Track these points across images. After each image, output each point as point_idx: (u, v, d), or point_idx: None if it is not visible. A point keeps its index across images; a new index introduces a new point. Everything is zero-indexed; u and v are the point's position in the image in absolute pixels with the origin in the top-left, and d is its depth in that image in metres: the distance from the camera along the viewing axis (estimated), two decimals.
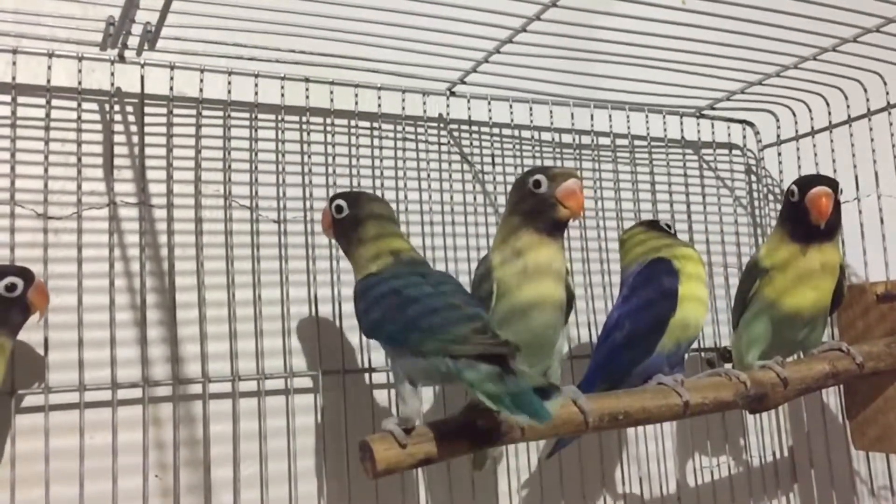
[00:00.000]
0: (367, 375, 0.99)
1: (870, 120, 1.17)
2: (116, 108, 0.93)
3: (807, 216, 0.93)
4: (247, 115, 0.98)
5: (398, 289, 0.74)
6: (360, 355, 0.98)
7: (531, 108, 1.13)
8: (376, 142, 1.05)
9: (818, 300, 0.96)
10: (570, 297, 0.86)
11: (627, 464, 1.14)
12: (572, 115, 1.16)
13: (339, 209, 0.83)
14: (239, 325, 0.92)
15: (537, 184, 0.82)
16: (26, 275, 0.79)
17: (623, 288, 0.95)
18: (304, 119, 1.00)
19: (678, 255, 0.92)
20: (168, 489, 0.87)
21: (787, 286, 0.95)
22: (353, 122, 1.03)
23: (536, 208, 0.83)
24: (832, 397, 1.29)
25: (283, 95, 0.98)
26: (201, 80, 0.94)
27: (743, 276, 1.03)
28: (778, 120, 1.29)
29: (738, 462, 1.23)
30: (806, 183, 0.95)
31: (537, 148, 1.16)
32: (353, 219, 0.82)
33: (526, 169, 1.11)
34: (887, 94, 1.15)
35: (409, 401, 0.70)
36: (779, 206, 1.28)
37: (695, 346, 1.06)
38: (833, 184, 0.94)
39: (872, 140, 1.17)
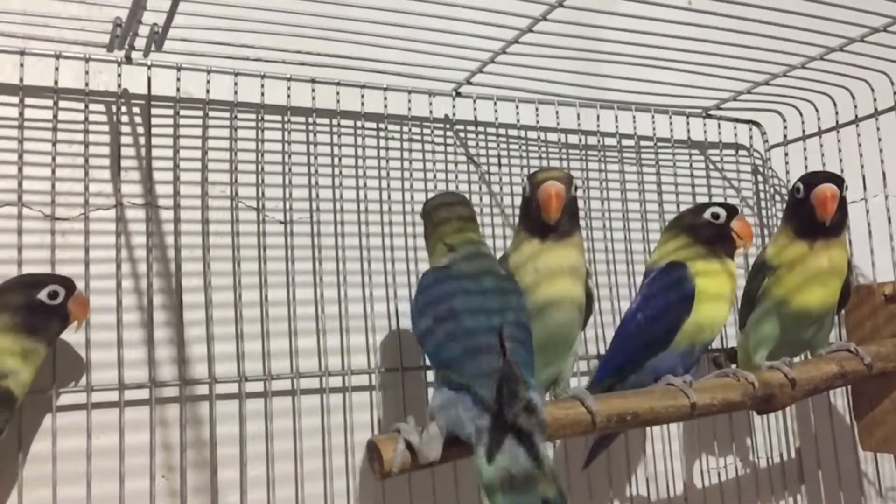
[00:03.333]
0: (371, 376, 0.99)
1: (877, 120, 1.17)
2: (123, 109, 0.93)
3: (812, 213, 0.93)
4: (253, 116, 0.98)
5: (438, 311, 0.72)
6: (366, 356, 0.98)
7: (537, 109, 1.13)
8: (382, 142, 1.05)
9: (827, 298, 0.95)
10: (590, 299, 0.86)
11: (635, 465, 1.14)
12: (578, 115, 1.15)
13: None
14: (245, 327, 0.92)
15: (525, 189, 0.85)
16: (68, 284, 0.80)
17: (643, 287, 0.95)
18: (310, 120, 1.00)
19: (697, 258, 0.91)
20: (175, 490, 0.87)
21: (795, 284, 0.95)
22: (359, 123, 1.03)
23: (527, 214, 0.85)
24: (840, 398, 1.29)
25: (289, 96, 0.98)
26: (208, 82, 0.94)
27: (750, 276, 1.03)
28: (785, 120, 1.29)
29: (745, 463, 1.23)
30: (811, 179, 0.95)
31: (543, 149, 1.16)
32: (424, 220, 0.85)
33: (532, 169, 1.12)
34: (895, 93, 1.14)
35: (425, 442, 0.68)
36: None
37: None
38: (838, 180, 0.94)
39: (880, 140, 1.17)
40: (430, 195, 1.05)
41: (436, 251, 0.81)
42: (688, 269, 0.89)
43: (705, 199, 1.24)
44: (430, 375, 0.99)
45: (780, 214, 1.30)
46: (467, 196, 1.07)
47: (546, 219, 0.81)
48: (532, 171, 1.11)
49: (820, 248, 0.94)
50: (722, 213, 0.92)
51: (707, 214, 0.92)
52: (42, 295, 0.78)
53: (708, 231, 0.91)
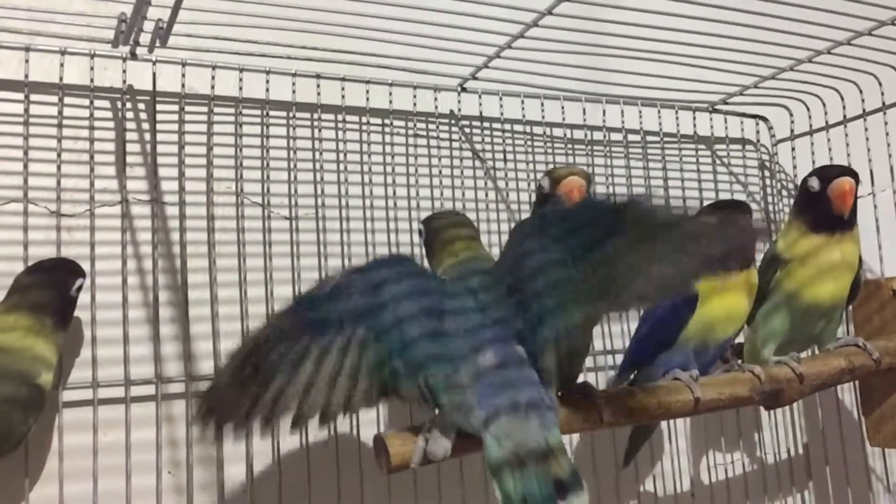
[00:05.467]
0: None
1: (885, 114, 1.16)
2: (128, 105, 0.93)
3: (828, 207, 0.93)
4: (258, 111, 0.98)
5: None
6: None
7: (543, 104, 1.13)
8: (387, 138, 1.05)
9: (838, 292, 0.95)
10: None
11: (642, 461, 1.13)
12: (584, 110, 1.15)
13: (420, 233, 0.87)
14: (251, 323, 0.92)
15: (541, 187, 0.85)
16: (83, 273, 0.81)
17: None
18: (315, 116, 1.00)
19: None
20: (181, 486, 0.87)
21: (808, 277, 0.94)
22: (364, 119, 1.03)
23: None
24: (847, 394, 1.28)
25: (294, 92, 0.98)
26: (213, 78, 0.94)
27: (760, 270, 1.02)
28: (792, 114, 1.28)
29: (752, 459, 1.23)
30: (827, 173, 0.95)
31: (549, 144, 1.15)
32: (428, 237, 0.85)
33: (538, 165, 1.12)
34: None
35: (437, 441, 0.67)
36: (793, 202, 1.27)
37: None
38: (854, 174, 0.94)
39: (887, 134, 1.16)
40: (436, 191, 1.05)
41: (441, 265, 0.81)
42: None
43: (712, 195, 1.24)
44: None
45: (786, 209, 1.30)
46: (471, 193, 1.08)
47: None
48: (538, 166, 1.11)
49: (833, 242, 0.94)
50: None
51: None
52: (73, 290, 0.79)
53: None
